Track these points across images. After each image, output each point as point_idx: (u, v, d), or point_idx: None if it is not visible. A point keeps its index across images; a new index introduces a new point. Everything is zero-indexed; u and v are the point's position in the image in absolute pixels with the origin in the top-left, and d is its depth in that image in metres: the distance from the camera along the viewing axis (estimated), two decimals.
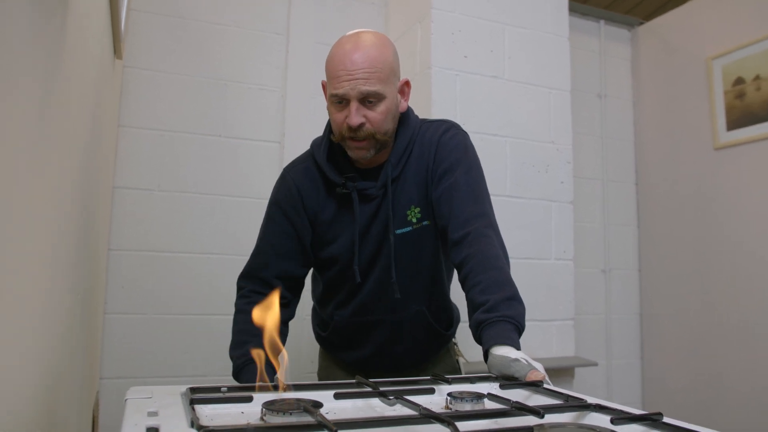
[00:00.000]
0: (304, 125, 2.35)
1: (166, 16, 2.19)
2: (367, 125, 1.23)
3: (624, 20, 3.10)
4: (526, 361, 1.01)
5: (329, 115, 1.30)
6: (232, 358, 1.31)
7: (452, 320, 1.49)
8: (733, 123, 2.57)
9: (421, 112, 2.17)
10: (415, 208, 1.33)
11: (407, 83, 1.34)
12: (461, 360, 1.63)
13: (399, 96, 1.31)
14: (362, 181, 1.33)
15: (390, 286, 1.33)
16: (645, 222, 3.01)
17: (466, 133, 1.39)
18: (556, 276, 2.32)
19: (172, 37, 2.20)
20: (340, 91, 1.22)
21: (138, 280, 2.07)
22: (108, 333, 2.02)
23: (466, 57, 2.24)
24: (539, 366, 1.00)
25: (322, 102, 2.40)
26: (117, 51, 1.63)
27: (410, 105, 1.39)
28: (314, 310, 1.56)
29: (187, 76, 2.21)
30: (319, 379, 1.60)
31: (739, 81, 2.55)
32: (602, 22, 3.05)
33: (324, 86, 1.32)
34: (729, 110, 2.59)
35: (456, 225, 1.24)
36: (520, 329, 1.10)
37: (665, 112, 2.93)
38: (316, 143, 1.40)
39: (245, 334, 1.32)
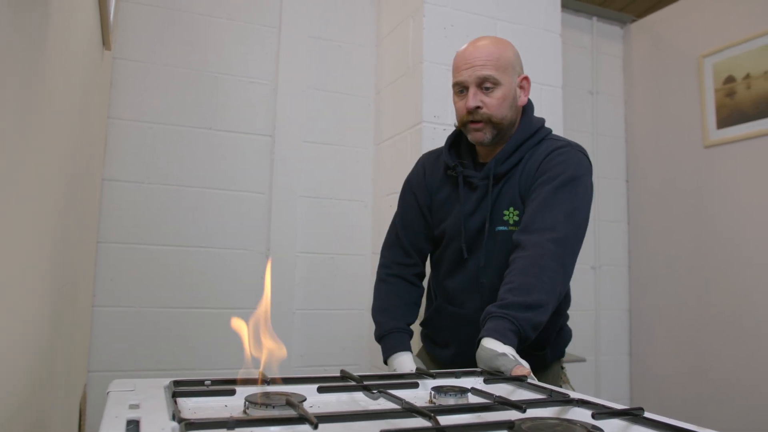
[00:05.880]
0: (296, 118, 2.34)
1: (156, 7, 2.17)
2: (484, 109, 1.34)
3: (616, 17, 3.10)
4: (513, 356, 1.01)
5: (454, 106, 1.42)
6: (376, 321, 1.48)
7: (548, 340, 1.40)
8: (723, 121, 2.58)
9: (413, 106, 2.17)
10: (514, 210, 1.35)
11: (526, 79, 1.41)
12: (567, 389, 1.50)
13: (518, 90, 1.39)
14: (470, 169, 1.42)
15: (484, 276, 1.39)
16: (635, 219, 3.02)
17: (584, 156, 1.38)
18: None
19: (163, 28, 2.18)
20: (460, 78, 1.36)
21: (127, 272, 2.06)
22: (96, 326, 2.01)
23: None
24: (524, 362, 1.01)
25: (313, 95, 2.41)
26: (106, 42, 1.61)
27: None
28: (427, 293, 1.62)
29: (177, 68, 2.19)
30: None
31: (730, 79, 2.56)
32: (595, 18, 3.05)
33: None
34: (719, 108, 2.60)
35: (522, 230, 1.26)
36: (521, 333, 1.10)
37: (656, 110, 2.94)
38: (449, 135, 1.53)
39: (388, 302, 1.50)
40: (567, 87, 2.67)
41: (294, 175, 2.33)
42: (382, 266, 1.56)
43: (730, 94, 2.55)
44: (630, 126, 3.08)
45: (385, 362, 1.42)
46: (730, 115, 2.55)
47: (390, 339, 1.43)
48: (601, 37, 3.08)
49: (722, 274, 2.55)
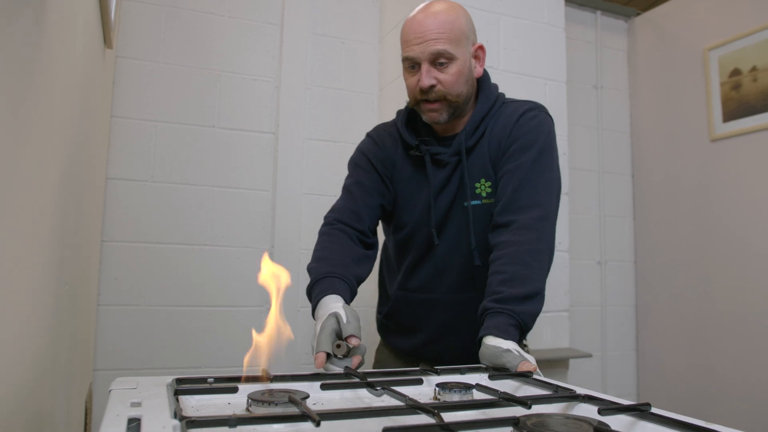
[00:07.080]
0: (299, 116, 2.34)
1: (159, 5, 2.17)
2: (438, 86, 1.24)
3: (621, 11, 3.08)
4: (518, 352, 1.00)
5: (405, 81, 1.31)
6: (309, 270, 1.25)
7: None
8: (729, 114, 2.56)
9: None
10: (486, 182, 1.29)
11: (481, 47, 1.31)
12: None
13: (474, 61, 1.30)
14: (436, 146, 1.32)
15: (455, 257, 1.31)
16: (641, 213, 3.00)
17: (550, 118, 1.32)
18: (551, 267, 2.31)
19: (165, 26, 2.18)
20: (411, 54, 1.24)
21: (131, 271, 2.06)
22: (101, 324, 2.01)
23: None
24: (530, 357, 1.00)
25: (317, 92, 2.40)
26: (107, 40, 1.61)
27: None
28: (379, 285, 1.53)
29: (180, 66, 2.19)
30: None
31: (736, 72, 2.54)
32: (599, 12, 3.03)
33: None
34: (725, 102, 2.58)
35: (506, 208, 1.21)
36: (522, 327, 1.08)
37: (662, 104, 2.92)
38: (399, 110, 1.41)
39: (325, 252, 1.29)
40: (571, 82, 2.65)
41: (298, 172, 2.32)
42: (324, 225, 1.36)
43: (736, 87, 2.53)
44: (635, 121, 3.06)
45: (314, 315, 1.16)
46: (737, 108, 2.53)
47: (320, 284, 1.18)
48: (606, 31, 3.06)
49: (729, 269, 2.54)
